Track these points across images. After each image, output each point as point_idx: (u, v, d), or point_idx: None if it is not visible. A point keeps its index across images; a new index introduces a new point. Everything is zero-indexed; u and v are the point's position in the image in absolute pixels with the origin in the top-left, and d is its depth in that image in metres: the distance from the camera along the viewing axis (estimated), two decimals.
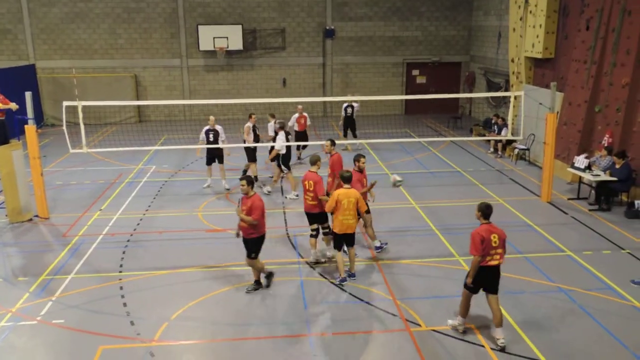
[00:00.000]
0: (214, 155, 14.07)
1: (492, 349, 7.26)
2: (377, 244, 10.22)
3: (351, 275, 9.18)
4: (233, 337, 7.64)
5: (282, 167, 13.80)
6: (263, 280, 8.98)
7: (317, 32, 24.37)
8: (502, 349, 7.20)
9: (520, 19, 17.96)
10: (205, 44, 22.94)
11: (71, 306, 8.47)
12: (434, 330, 7.69)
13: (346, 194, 8.77)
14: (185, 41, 23.75)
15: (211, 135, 13.90)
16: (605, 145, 13.31)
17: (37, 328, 7.91)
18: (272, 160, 13.87)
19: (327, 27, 24.23)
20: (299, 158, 16.75)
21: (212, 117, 14.29)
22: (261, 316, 8.14)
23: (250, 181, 8.60)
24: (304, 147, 16.85)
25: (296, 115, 16.39)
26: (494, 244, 7.15)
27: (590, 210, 12.49)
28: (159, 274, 9.50)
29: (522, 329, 7.71)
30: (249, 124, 13.99)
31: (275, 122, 14.30)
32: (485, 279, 7.26)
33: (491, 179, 15.11)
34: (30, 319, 8.12)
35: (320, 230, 9.80)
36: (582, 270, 9.55)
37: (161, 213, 12.51)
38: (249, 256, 8.64)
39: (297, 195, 13.22)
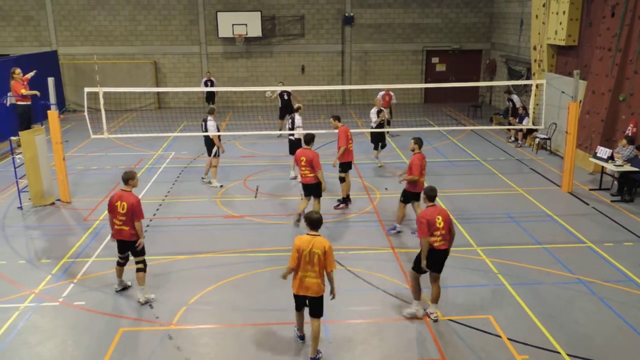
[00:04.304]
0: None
1: (508, 339, 7.24)
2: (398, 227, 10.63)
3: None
4: (250, 323, 7.72)
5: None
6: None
7: (336, 19, 24.21)
8: (436, 321, 7.64)
9: (544, 6, 17.62)
10: (224, 31, 22.94)
11: (92, 289, 8.62)
12: (450, 320, 7.68)
13: (310, 242, 6.63)
14: (204, 28, 23.78)
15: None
16: (629, 134, 13.06)
17: (59, 309, 8.08)
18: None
19: (347, 14, 24.04)
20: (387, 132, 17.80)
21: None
22: (278, 302, 8.19)
23: None
24: (388, 122, 17.69)
25: (382, 92, 17.94)
26: (438, 225, 7.38)
27: (612, 201, 12.30)
28: (178, 259, 9.61)
29: (540, 320, 7.65)
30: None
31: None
32: (437, 260, 7.54)
33: (511, 168, 14.95)
34: (52, 300, 8.30)
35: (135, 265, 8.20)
36: (603, 262, 9.42)
37: (180, 199, 12.63)
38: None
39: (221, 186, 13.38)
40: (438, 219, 7.37)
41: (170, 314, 7.89)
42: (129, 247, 8.11)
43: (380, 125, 15.00)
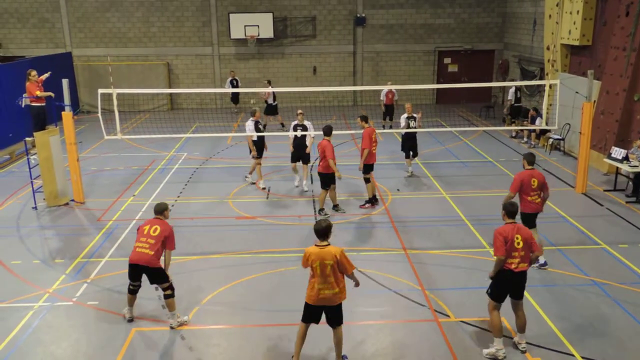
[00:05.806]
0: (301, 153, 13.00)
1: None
2: (542, 260, 9.14)
3: None
4: (262, 323, 7.74)
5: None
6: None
7: (347, 20, 24.20)
8: (524, 352, 6.96)
9: (557, 5, 17.48)
10: (237, 32, 23.03)
11: (105, 288, 8.69)
12: (462, 322, 7.64)
13: (319, 254, 6.44)
14: (217, 29, 23.89)
15: (299, 131, 12.85)
16: None
17: (73, 309, 8.16)
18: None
19: (358, 15, 24.03)
20: (384, 127, 18.87)
21: (300, 111, 13.27)
22: (290, 303, 8.20)
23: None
24: (390, 118, 19.19)
25: (385, 89, 18.64)
26: (516, 245, 6.66)
27: (627, 202, 12.16)
28: (190, 259, 9.66)
29: (554, 323, 7.59)
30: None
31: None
32: (516, 284, 6.82)
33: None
34: (66, 299, 8.38)
35: (161, 292, 7.71)
36: (618, 264, 9.32)
37: (193, 199, 12.70)
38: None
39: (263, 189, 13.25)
40: (517, 238, 6.62)
41: (182, 314, 7.91)
42: (144, 273, 7.47)
43: (412, 133, 13.97)
